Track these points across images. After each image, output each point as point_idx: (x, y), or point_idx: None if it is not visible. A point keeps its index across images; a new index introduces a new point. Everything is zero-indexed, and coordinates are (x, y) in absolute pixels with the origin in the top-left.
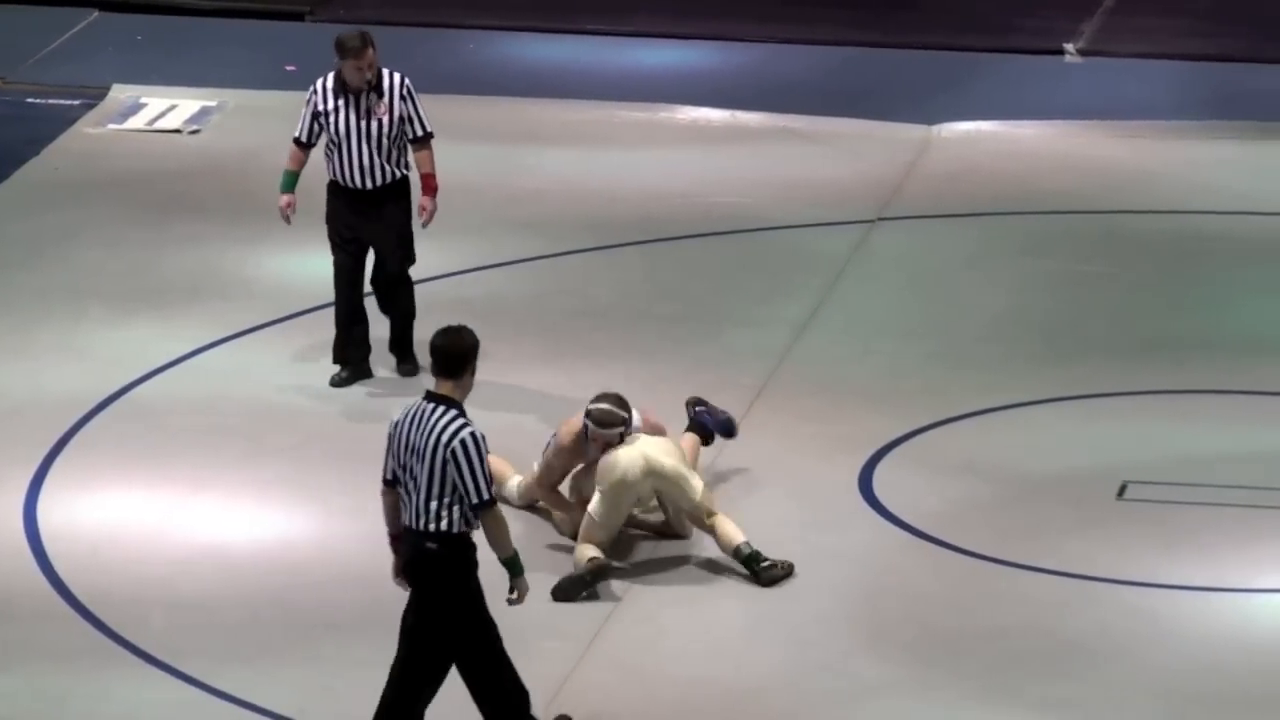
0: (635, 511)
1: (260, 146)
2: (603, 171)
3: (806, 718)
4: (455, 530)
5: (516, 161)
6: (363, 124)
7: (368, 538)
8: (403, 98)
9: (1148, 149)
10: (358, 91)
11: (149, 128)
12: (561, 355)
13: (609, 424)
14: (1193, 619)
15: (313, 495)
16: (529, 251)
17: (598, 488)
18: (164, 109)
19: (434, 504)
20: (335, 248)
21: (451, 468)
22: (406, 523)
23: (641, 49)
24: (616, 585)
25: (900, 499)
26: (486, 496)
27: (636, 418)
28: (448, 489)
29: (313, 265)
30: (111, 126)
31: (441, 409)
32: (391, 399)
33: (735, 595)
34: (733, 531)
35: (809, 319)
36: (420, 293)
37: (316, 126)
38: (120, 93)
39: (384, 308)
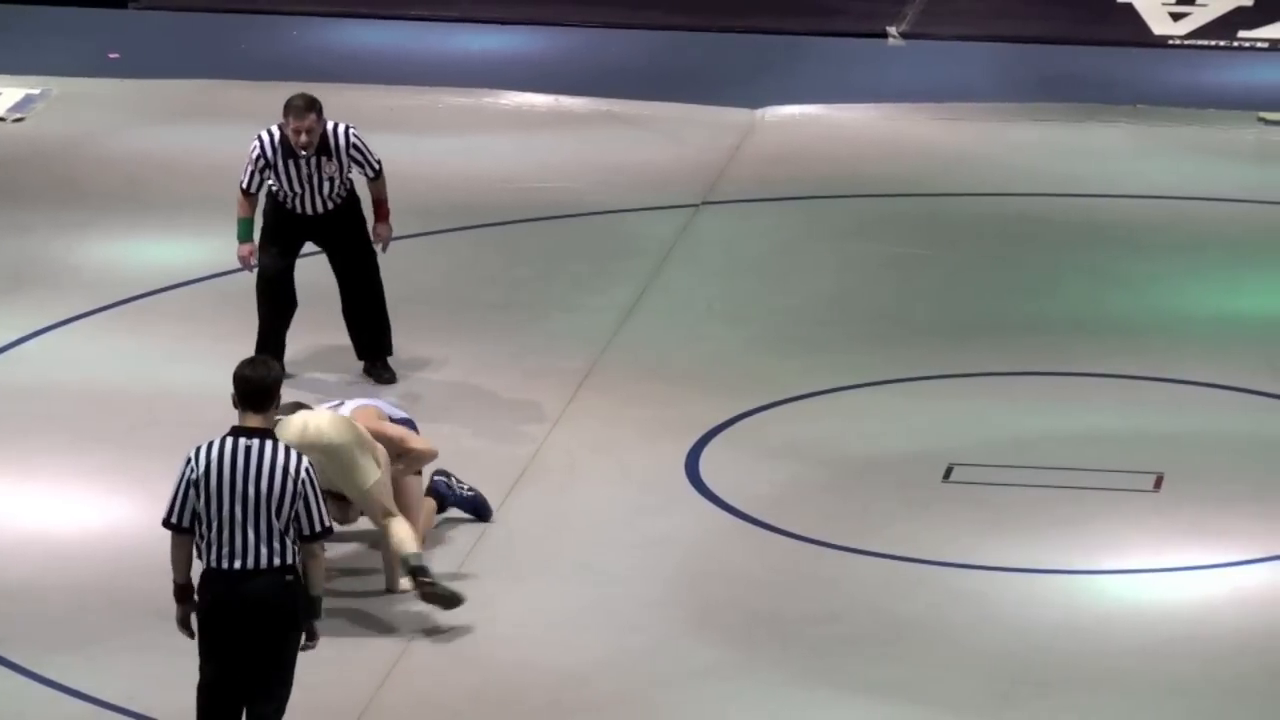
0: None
1: (85, 134)
2: (426, 157)
3: (634, 701)
4: (297, 559)
5: None
6: (313, 180)
7: None
8: (351, 155)
9: (970, 131)
10: (304, 156)
11: None
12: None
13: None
14: (1019, 600)
15: (139, 483)
16: None
17: None
18: None
19: (284, 538)
20: (263, 250)
21: (300, 500)
22: (229, 565)
23: (465, 34)
24: (446, 570)
25: (727, 483)
26: (329, 523)
27: (344, 412)
28: (290, 520)
29: (140, 253)
30: None
31: (270, 442)
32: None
33: (563, 581)
34: (406, 536)
35: (634, 304)
36: (242, 280)
37: (262, 179)
38: None
39: (354, 313)
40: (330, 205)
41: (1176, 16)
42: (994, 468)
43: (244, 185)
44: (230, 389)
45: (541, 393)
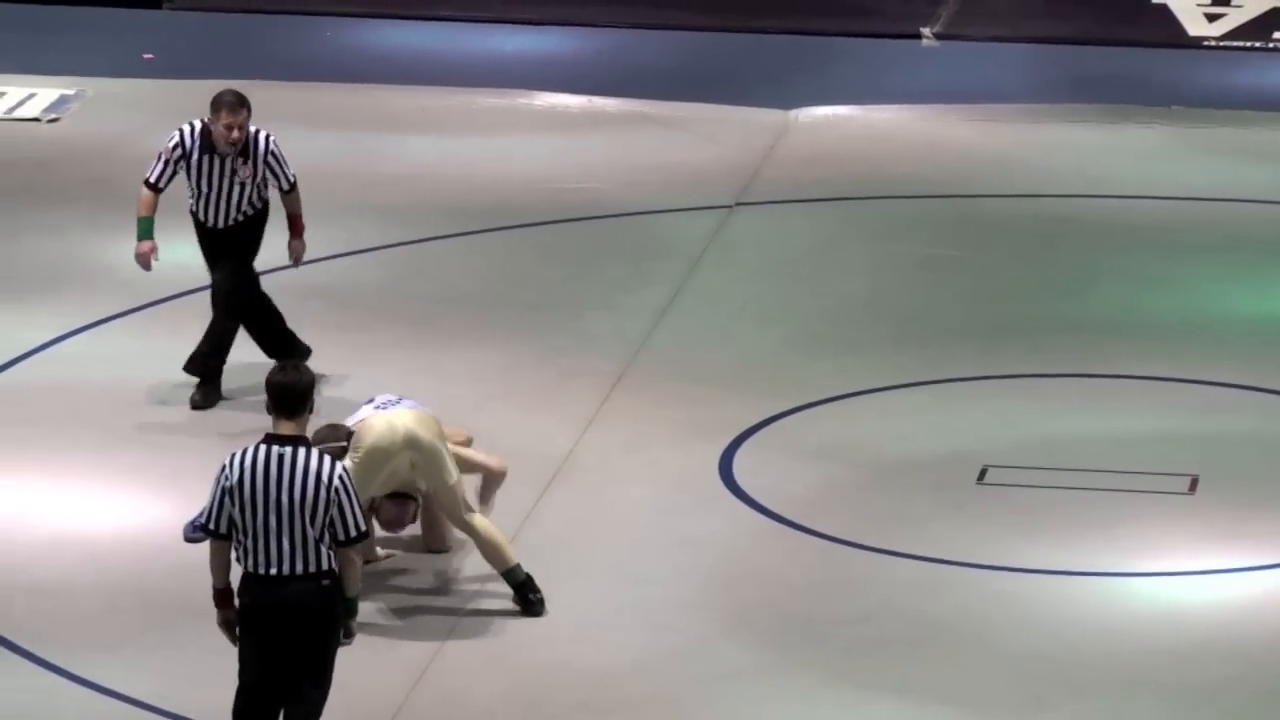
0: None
1: (120, 135)
2: (460, 158)
3: (666, 701)
4: (334, 564)
5: (374, 148)
6: (225, 183)
7: None
8: (267, 162)
9: (1004, 132)
10: (224, 155)
11: (7, 116)
12: (419, 342)
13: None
14: (1052, 603)
15: (172, 482)
16: (386, 238)
17: (350, 456)
18: (22, 98)
19: (320, 544)
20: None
21: (334, 507)
22: (265, 570)
23: (499, 35)
24: (477, 570)
25: (760, 484)
26: (364, 527)
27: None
28: (325, 527)
29: (174, 253)
30: None
31: (303, 450)
32: (249, 382)
33: (596, 581)
34: (502, 544)
35: (668, 305)
36: (277, 280)
37: (174, 173)
38: None
39: (248, 327)
40: (237, 217)
41: (1211, 18)
42: (1028, 469)
43: (151, 180)
44: (264, 392)
45: (575, 393)
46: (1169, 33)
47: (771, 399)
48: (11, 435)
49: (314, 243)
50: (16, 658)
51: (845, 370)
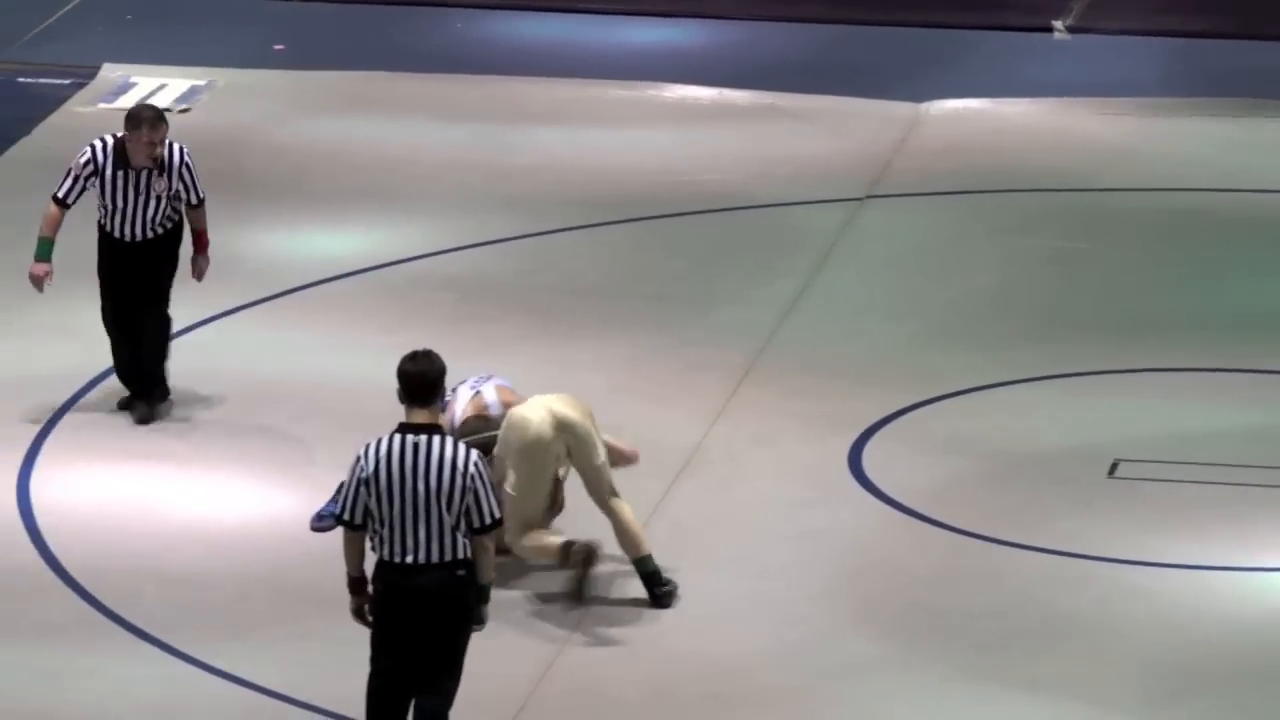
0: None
1: (250, 125)
2: (590, 150)
3: (795, 693)
4: (468, 553)
5: (503, 140)
6: (140, 199)
7: None
8: (181, 175)
9: (1135, 126)
10: (139, 169)
11: None
12: (547, 334)
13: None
14: (1185, 597)
15: (302, 472)
16: (515, 230)
17: (511, 457)
18: (154, 88)
19: (456, 533)
20: (102, 293)
21: (470, 495)
22: (400, 559)
23: (629, 27)
24: (606, 562)
25: (889, 477)
26: (499, 514)
27: (491, 400)
28: (461, 515)
29: (304, 244)
30: (102, 105)
31: (437, 438)
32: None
33: (724, 573)
34: (638, 532)
35: (797, 297)
36: (407, 271)
37: (84, 189)
38: (111, 72)
39: (134, 344)
40: (151, 233)
41: None
42: (1159, 464)
43: (60, 195)
44: (394, 382)
45: (703, 386)
46: None
47: (900, 393)
48: (142, 426)
49: (443, 233)
50: (148, 647)
51: (974, 364)
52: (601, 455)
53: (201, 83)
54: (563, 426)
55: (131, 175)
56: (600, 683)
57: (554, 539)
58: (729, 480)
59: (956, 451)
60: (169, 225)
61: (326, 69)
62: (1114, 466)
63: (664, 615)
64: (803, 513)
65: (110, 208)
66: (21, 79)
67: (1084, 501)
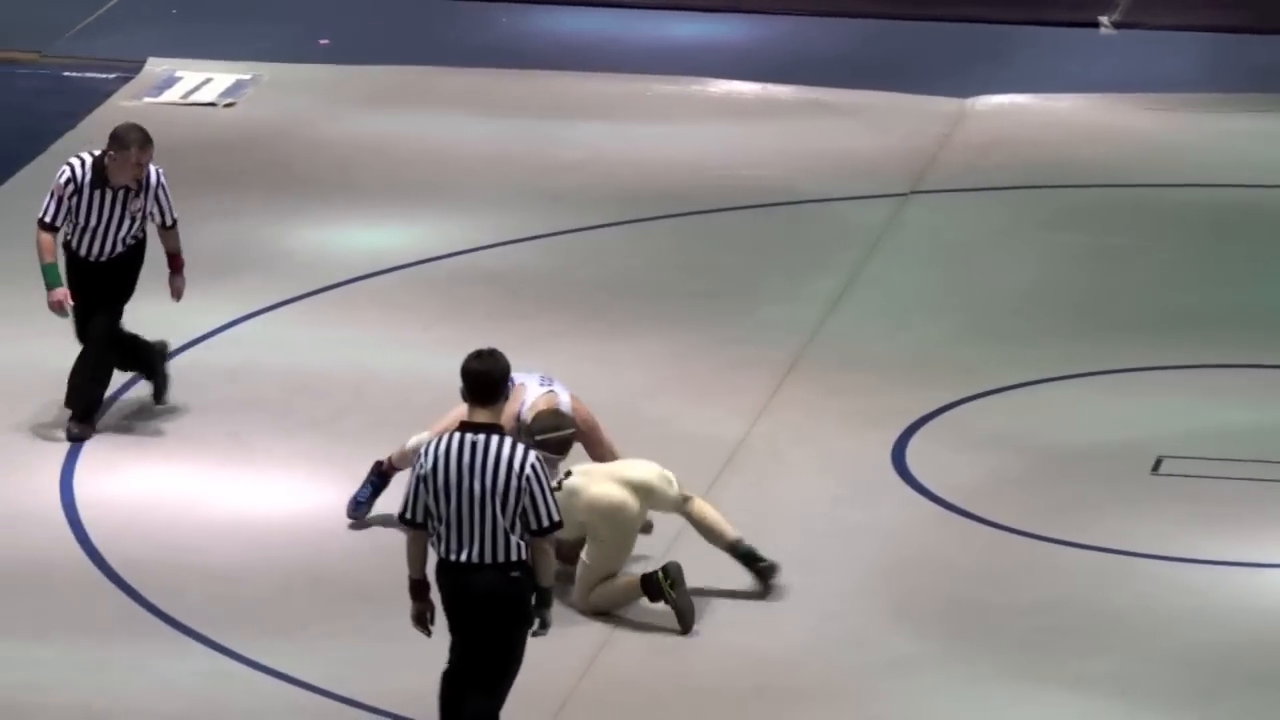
0: None
1: (295, 119)
2: (634, 145)
3: (837, 688)
4: (526, 555)
5: (547, 135)
6: (113, 217)
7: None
8: (157, 197)
9: (1181, 121)
10: (118, 188)
11: (184, 101)
12: (591, 330)
13: (562, 441)
14: (1230, 594)
15: (345, 468)
16: (559, 225)
17: (601, 535)
18: (199, 82)
19: (511, 534)
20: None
21: (526, 495)
22: (457, 557)
23: (673, 21)
24: (647, 555)
25: (933, 473)
26: (557, 517)
27: (565, 400)
28: (518, 517)
29: (348, 238)
30: (147, 100)
31: (497, 438)
32: (421, 368)
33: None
34: (720, 520)
35: (841, 293)
36: (449, 266)
37: (68, 209)
38: (156, 66)
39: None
40: (118, 249)
41: None
42: (1204, 460)
43: (47, 219)
44: (435, 377)
45: (746, 382)
46: None
47: (944, 389)
48: (186, 419)
49: (487, 229)
50: (191, 641)
51: (1018, 360)
52: (672, 486)
53: (246, 77)
54: (641, 493)
55: (109, 194)
56: (642, 678)
57: (625, 579)
58: (772, 476)
59: (999, 447)
60: (132, 243)
61: (371, 64)
62: (1158, 463)
63: (704, 610)
64: (845, 509)
65: (81, 225)
66: (67, 73)
67: (1127, 498)
